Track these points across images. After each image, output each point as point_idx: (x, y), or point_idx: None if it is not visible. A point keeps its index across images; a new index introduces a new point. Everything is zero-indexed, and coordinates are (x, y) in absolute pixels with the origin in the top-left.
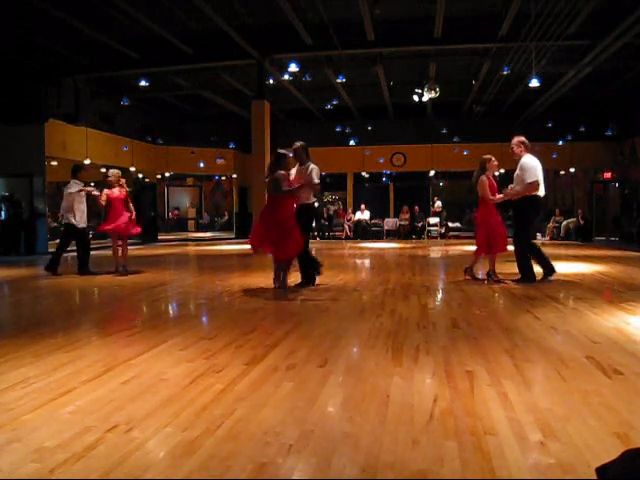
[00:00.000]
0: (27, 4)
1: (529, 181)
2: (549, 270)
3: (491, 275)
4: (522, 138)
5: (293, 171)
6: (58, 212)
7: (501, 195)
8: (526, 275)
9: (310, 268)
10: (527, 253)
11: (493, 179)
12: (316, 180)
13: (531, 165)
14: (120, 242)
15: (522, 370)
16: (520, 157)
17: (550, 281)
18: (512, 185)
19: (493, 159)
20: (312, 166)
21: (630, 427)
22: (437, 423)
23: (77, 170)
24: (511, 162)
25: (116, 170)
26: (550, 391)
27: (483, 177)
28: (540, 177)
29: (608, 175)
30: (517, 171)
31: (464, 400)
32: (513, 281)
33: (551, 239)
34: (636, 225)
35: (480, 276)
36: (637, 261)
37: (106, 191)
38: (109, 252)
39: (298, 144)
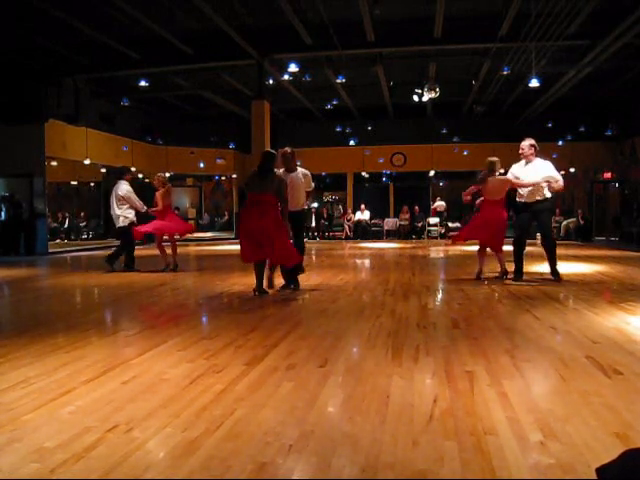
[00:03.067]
0: (27, 4)
1: (560, 180)
2: (519, 274)
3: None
4: (533, 141)
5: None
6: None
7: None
8: (557, 274)
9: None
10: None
11: None
12: (313, 185)
13: (553, 166)
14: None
15: (522, 370)
16: (530, 159)
17: (547, 280)
18: (521, 181)
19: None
20: (306, 172)
21: (630, 427)
22: (437, 423)
23: (125, 171)
24: (510, 162)
25: (160, 174)
26: (550, 391)
27: (507, 176)
28: None
29: (608, 175)
30: (538, 172)
31: (464, 400)
32: (554, 280)
33: None
34: (636, 225)
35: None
36: (637, 261)
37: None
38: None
39: (289, 150)
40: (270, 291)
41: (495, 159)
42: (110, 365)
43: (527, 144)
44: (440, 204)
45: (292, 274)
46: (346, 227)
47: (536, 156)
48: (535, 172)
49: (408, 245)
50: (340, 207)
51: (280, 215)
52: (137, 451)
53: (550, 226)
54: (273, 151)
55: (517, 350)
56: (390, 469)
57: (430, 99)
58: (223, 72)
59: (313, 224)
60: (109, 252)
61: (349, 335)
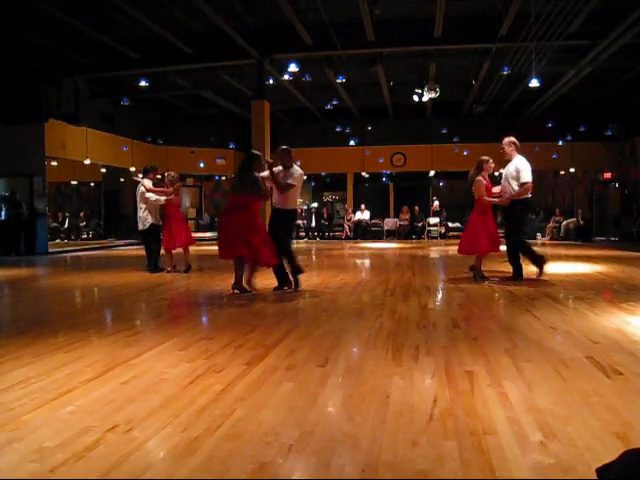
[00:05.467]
0: (27, 4)
1: (523, 181)
2: (541, 265)
3: (477, 273)
4: (513, 138)
5: (265, 174)
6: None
7: (496, 198)
8: (519, 274)
9: (284, 272)
10: (519, 253)
11: (489, 180)
12: (289, 181)
13: (527, 167)
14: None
15: (522, 370)
16: (511, 157)
17: (547, 280)
18: (502, 185)
19: (490, 160)
20: (297, 169)
21: (630, 427)
22: (437, 423)
23: (148, 170)
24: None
25: (171, 172)
26: (550, 391)
27: (479, 177)
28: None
29: (608, 175)
30: (510, 171)
31: (464, 400)
32: (501, 279)
33: (551, 239)
34: (636, 225)
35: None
36: (637, 261)
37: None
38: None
39: (283, 147)
40: (252, 291)
41: (483, 158)
42: (110, 365)
43: (506, 141)
44: (435, 204)
45: (284, 275)
46: (346, 227)
47: (518, 153)
48: (507, 170)
49: (408, 245)
50: (345, 206)
51: (256, 217)
52: (137, 451)
53: (517, 226)
54: (254, 152)
55: (517, 350)
56: (390, 469)
57: (430, 99)
58: (223, 72)
59: (313, 224)
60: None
61: (349, 335)
